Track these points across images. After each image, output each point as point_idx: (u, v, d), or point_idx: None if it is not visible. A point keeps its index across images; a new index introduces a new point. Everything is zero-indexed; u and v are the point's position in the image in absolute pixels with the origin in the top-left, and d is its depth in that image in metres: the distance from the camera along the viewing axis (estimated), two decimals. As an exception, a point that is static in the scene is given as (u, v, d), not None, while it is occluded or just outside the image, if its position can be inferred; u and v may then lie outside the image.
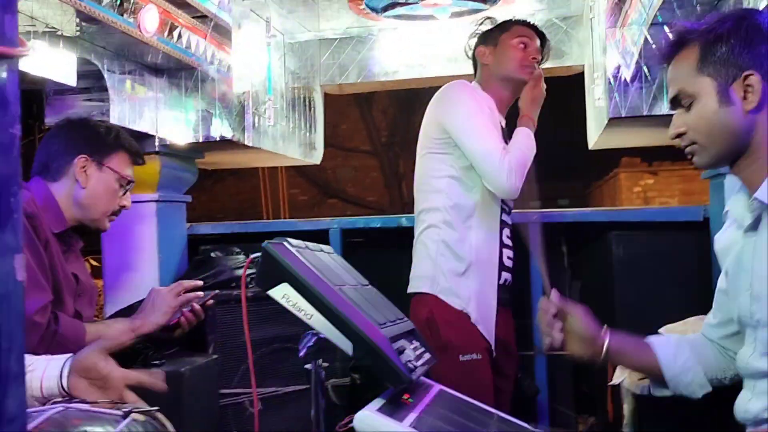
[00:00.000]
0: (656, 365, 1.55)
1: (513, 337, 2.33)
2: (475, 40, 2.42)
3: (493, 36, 2.37)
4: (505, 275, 2.26)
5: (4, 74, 0.65)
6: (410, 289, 2.26)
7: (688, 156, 1.42)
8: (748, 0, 1.76)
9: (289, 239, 1.53)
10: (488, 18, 2.47)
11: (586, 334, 1.54)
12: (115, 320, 2.03)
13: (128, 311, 2.15)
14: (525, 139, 2.23)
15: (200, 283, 2.09)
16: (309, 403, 1.45)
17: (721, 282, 1.50)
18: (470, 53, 2.42)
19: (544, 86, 2.34)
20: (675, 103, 1.40)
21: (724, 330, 1.52)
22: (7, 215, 0.66)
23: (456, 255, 2.17)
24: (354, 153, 11.42)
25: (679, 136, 1.40)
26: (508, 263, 2.27)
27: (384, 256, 3.10)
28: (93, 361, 1.43)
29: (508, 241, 2.28)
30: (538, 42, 2.35)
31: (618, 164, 10.96)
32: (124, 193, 2.05)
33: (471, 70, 3.30)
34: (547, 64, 3.20)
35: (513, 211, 2.38)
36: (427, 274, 2.21)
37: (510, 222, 2.31)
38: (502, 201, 2.28)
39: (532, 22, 2.40)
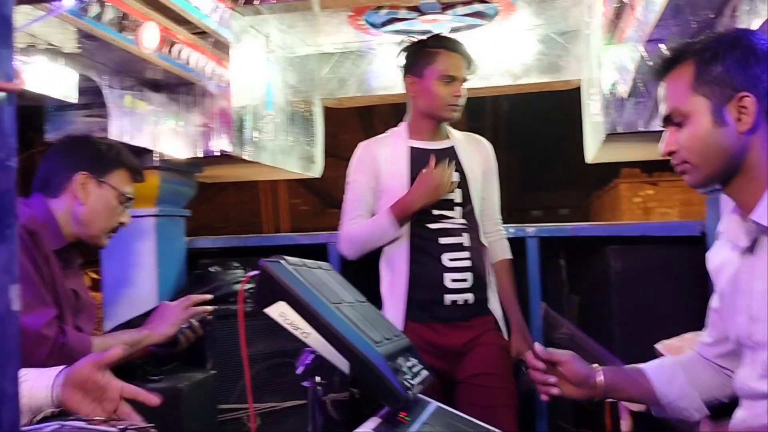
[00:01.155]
0: (653, 394, 1.55)
1: (477, 345, 2.32)
2: (404, 59, 2.42)
3: (418, 65, 2.36)
4: (453, 297, 2.29)
5: (2, 108, 0.66)
6: None
7: (680, 173, 1.40)
8: (742, 19, 1.77)
9: (287, 257, 1.54)
10: (413, 37, 2.47)
11: (579, 379, 1.53)
12: (122, 331, 2.03)
13: (127, 326, 2.15)
14: (373, 222, 2.34)
15: (209, 297, 2.10)
16: (306, 418, 1.45)
17: (715, 301, 1.51)
18: (401, 74, 2.44)
19: (449, 178, 2.30)
20: (667, 120, 1.39)
21: (719, 349, 1.52)
22: (3, 246, 0.67)
23: (387, 281, 2.40)
24: (355, 163, 11.42)
25: (670, 154, 1.39)
26: (454, 285, 2.29)
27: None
28: (89, 372, 1.44)
29: (456, 264, 2.30)
30: (465, 65, 2.35)
31: (618, 175, 10.97)
32: (123, 210, 2.06)
33: (470, 84, 3.32)
34: (544, 79, 3.23)
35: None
36: None
37: (467, 243, 2.33)
38: (466, 223, 2.34)
39: (455, 41, 2.37)
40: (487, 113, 12.55)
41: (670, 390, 1.54)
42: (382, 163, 2.39)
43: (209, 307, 2.07)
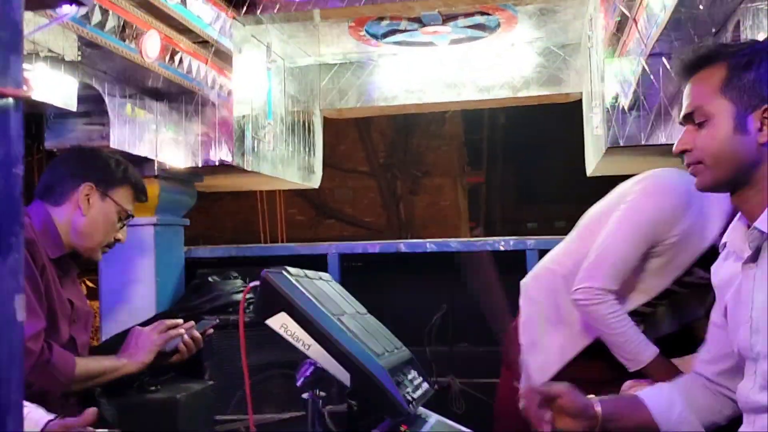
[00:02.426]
0: (652, 423, 1.51)
1: None
2: None
3: None
4: None
5: (9, 115, 0.65)
6: None
7: (691, 174, 1.38)
8: (745, 34, 1.77)
9: (288, 268, 1.53)
10: None
11: (577, 411, 1.48)
12: (103, 357, 2.01)
13: (125, 336, 2.14)
14: (639, 343, 1.90)
15: (180, 321, 2.09)
16: (303, 429, 1.44)
17: (716, 315, 1.48)
18: None
19: None
20: (687, 118, 1.37)
21: (719, 366, 1.49)
22: (8, 254, 0.66)
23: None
24: (352, 174, 11.43)
25: (684, 152, 1.37)
26: None
27: (383, 280, 3.09)
28: None
29: None
30: None
31: (613, 188, 10.97)
32: (122, 227, 2.06)
33: (470, 97, 3.33)
34: (544, 92, 3.24)
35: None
36: None
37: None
38: None
39: None
40: (484, 126, 12.59)
41: (669, 418, 1.50)
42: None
43: (182, 331, 2.05)
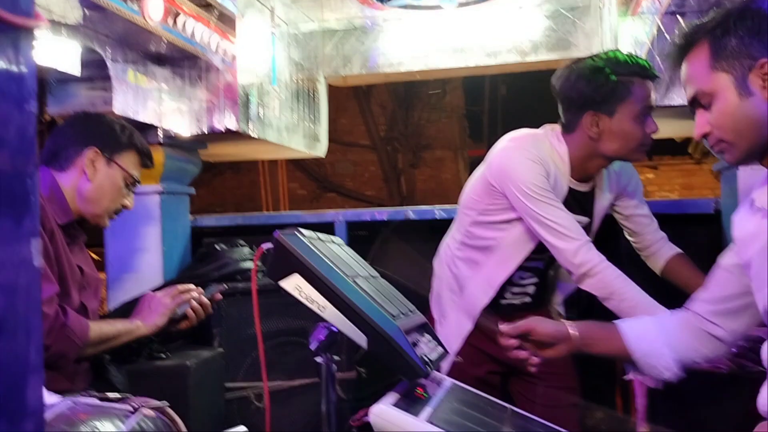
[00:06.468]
0: (624, 349, 1.57)
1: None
2: (575, 83, 1.92)
3: (606, 101, 1.88)
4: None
5: (20, 47, 0.61)
6: None
7: (718, 153, 1.39)
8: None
9: (301, 229, 1.50)
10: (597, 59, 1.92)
11: (552, 338, 1.56)
12: (116, 320, 2.01)
13: (133, 305, 2.12)
14: (642, 300, 1.90)
15: (192, 286, 2.08)
16: (313, 397, 1.42)
17: (728, 261, 1.48)
18: (563, 97, 1.99)
19: None
20: (694, 103, 1.38)
21: (716, 306, 1.50)
22: (24, 197, 0.62)
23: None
24: (353, 147, 11.38)
25: (705, 136, 1.38)
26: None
27: (389, 249, 3.07)
28: None
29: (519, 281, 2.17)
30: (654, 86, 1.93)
31: (618, 159, 10.91)
32: (128, 193, 2.03)
33: (478, 62, 3.27)
34: (553, 56, 3.19)
35: None
36: None
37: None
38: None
39: (646, 63, 1.91)
40: (485, 97, 12.48)
41: (639, 346, 1.56)
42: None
43: (196, 294, 2.04)
